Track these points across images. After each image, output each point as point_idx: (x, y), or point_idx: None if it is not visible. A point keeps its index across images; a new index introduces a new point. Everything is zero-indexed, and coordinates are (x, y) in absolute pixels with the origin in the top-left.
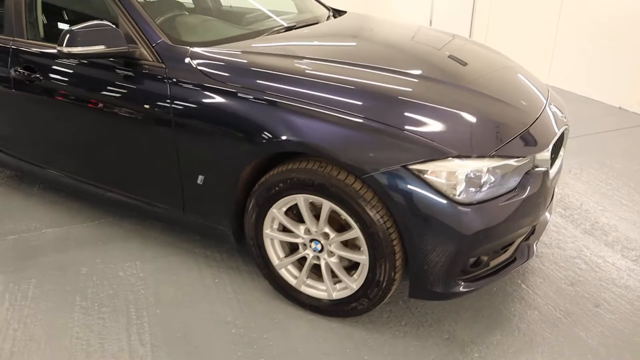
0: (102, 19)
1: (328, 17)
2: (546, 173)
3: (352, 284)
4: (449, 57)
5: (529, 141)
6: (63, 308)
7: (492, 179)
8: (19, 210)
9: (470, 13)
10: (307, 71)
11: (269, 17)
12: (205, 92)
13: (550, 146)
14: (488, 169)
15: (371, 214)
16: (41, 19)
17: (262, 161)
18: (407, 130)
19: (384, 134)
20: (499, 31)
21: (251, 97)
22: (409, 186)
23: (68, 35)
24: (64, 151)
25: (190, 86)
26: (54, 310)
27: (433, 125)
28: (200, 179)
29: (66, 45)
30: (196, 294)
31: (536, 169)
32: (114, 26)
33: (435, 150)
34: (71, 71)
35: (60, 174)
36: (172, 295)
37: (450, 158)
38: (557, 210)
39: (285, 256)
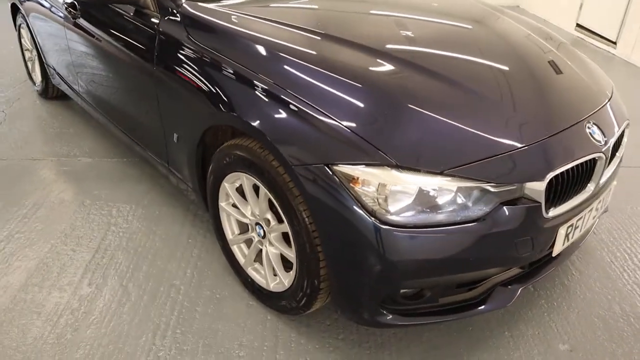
0: None
1: None
2: (535, 209)
3: (285, 279)
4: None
5: (518, 165)
6: (49, 233)
7: (441, 201)
8: (72, 136)
9: (622, 17)
10: (297, 49)
11: None
12: (182, 49)
13: (548, 177)
14: (434, 188)
15: (297, 211)
16: None
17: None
18: (346, 125)
19: (319, 125)
20: None
21: (218, 63)
22: (330, 190)
23: None
24: (95, 88)
25: (172, 40)
26: (40, 232)
27: (386, 127)
28: (175, 137)
29: None
30: (164, 249)
31: (523, 202)
32: None
33: (367, 154)
34: (95, 12)
35: (98, 110)
36: (142, 244)
37: (386, 167)
38: (610, 250)
39: (239, 233)
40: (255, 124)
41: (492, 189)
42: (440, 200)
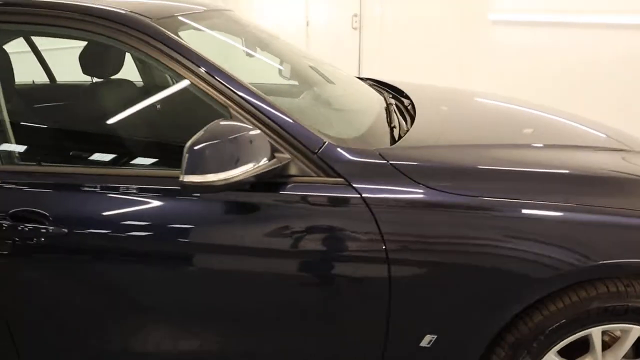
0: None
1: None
2: None
3: None
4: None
5: None
6: None
7: None
8: None
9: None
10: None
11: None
12: (435, 212)
13: None
14: None
15: None
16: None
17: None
18: None
19: None
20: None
21: (517, 207)
22: None
23: (188, 155)
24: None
25: (408, 206)
26: None
27: None
28: (427, 340)
29: (186, 173)
30: None
31: None
32: (255, 128)
33: None
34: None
35: None
36: None
37: None
38: None
39: None
40: None
41: None
42: None
